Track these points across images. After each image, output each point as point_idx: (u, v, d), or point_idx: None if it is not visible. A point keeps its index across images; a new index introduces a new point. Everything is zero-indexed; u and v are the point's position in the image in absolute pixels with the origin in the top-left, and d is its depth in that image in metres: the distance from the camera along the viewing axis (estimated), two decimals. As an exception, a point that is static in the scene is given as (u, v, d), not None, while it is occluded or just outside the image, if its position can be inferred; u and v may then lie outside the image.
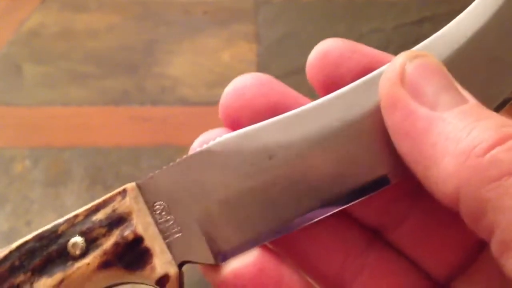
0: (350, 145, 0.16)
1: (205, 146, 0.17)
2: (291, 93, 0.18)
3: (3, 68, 0.70)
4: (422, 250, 0.18)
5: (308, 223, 0.16)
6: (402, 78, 0.15)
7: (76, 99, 0.65)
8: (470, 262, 0.17)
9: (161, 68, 0.70)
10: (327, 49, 0.18)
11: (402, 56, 0.16)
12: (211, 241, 0.16)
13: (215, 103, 0.69)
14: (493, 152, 0.13)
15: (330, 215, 0.17)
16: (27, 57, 0.72)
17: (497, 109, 0.16)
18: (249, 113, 0.17)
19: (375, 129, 0.16)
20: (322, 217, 0.16)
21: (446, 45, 0.17)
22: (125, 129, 0.61)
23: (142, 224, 0.16)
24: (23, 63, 0.71)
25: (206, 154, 0.17)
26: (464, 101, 0.14)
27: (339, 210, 0.17)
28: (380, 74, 0.16)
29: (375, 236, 0.18)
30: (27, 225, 0.49)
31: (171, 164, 0.17)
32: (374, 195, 0.16)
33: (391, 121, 0.15)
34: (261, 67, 0.70)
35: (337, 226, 0.18)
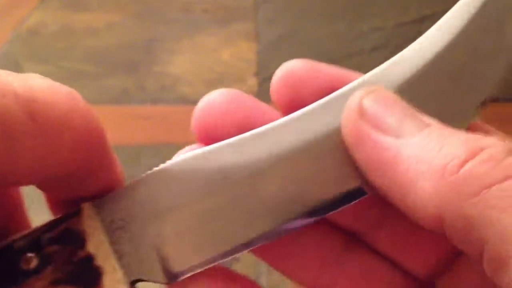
0: (311, 164, 0.16)
1: (161, 166, 0.17)
2: (261, 108, 0.18)
3: (3, 67, 0.70)
4: (401, 251, 0.18)
5: (269, 241, 0.16)
6: (362, 114, 0.15)
7: (76, 97, 0.65)
8: (452, 258, 0.17)
9: (161, 66, 0.70)
10: (290, 71, 0.18)
11: (357, 94, 0.16)
12: (164, 261, 0.16)
13: (215, 101, 0.68)
14: (467, 167, 0.13)
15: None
16: (27, 56, 0.72)
17: (471, 119, 0.16)
18: (218, 131, 0.17)
19: (338, 148, 0.16)
20: (284, 234, 0.16)
21: (405, 68, 0.17)
22: (125, 128, 0.61)
23: (95, 243, 0.16)
24: (23, 62, 0.71)
25: (163, 174, 0.17)
26: (427, 124, 0.14)
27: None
28: (341, 94, 0.17)
29: (353, 239, 0.18)
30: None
31: (129, 182, 0.17)
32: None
33: (359, 156, 0.15)
34: (260, 66, 0.70)
35: (313, 231, 0.18)
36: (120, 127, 0.61)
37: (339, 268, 0.18)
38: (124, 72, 0.69)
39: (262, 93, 0.65)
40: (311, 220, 0.16)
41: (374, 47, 0.72)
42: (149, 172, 0.17)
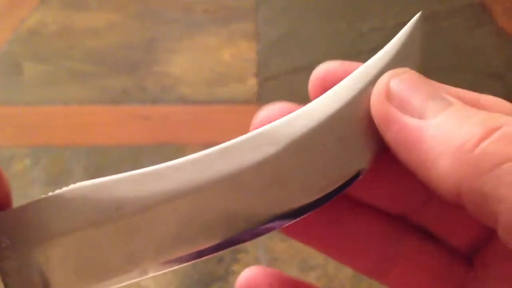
0: (207, 203, 0.16)
1: (57, 192, 0.17)
2: None
3: (3, 67, 0.70)
4: (446, 227, 0.19)
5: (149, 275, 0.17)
6: (388, 96, 0.16)
7: (76, 98, 0.65)
8: (491, 233, 0.18)
9: (161, 66, 0.70)
10: (326, 71, 0.19)
11: (385, 75, 0.17)
12: (46, 285, 0.16)
13: (216, 101, 0.69)
14: (482, 145, 0.13)
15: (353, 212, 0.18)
16: (27, 55, 0.72)
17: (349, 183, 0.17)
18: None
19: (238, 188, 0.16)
20: (168, 268, 0.16)
21: (295, 128, 0.17)
22: (125, 128, 0.61)
23: None
24: (23, 62, 0.71)
25: (56, 199, 0.17)
26: (449, 104, 0.15)
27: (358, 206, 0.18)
28: (263, 132, 0.17)
29: (400, 221, 0.19)
30: None
31: (21, 204, 0.17)
32: (389, 183, 0.17)
33: (388, 137, 0.16)
34: (261, 66, 0.70)
35: (363, 217, 0.19)
36: (120, 127, 0.61)
37: (395, 250, 0.19)
38: (124, 72, 0.69)
39: (262, 93, 0.65)
40: (196, 258, 0.16)
41: (374, 47, 0.72)
42: (42, 196, 0.17)
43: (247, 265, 0.47)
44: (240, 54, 0.72)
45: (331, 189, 0.16)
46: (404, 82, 0.16)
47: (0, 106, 0.64)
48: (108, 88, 0.66)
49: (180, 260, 0.16)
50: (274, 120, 0.18)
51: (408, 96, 0.16)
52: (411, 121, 0.15)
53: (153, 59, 0.71)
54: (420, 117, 0.15)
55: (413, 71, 0.16)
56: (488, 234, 0.18)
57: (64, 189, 0.17)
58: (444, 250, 0.19)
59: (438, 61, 0.69)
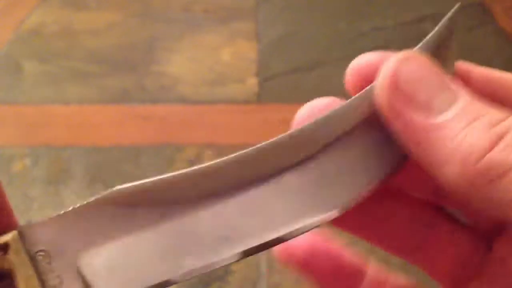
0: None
1: (96, 197, 0.16)
2: None
3: (4, 67, 0.70)
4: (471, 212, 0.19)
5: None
6: (394, 87, 0.15)
7: (76, 97, 0.65)
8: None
9: (161, 66, 0.70)
10: (363, 63, 0.18)
11: (391, 61, 0.16)
12: None
13: (215, 101, 0.69)
14: (488, 155, 0.14)
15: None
16: (27, 55, 0.72)
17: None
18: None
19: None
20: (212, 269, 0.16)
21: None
22: (125, 128, 0.61)
23: (23, 279, 0.16)
24: (24, 62, 0.71)
25: (97, 205, 0.16)
26: (455, 97, 0.15)
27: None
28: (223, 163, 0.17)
29: (431, 207, 0.19)
30: (27, 223, 0.49)
31: (63, 212, 0.17)
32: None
33: (394, 128, 0.16)
34: (261, 66, 0.70)
35: (400, 207, 0.19)
36: (120, 127, 0.61)
37: (426, 232, 0.19)
38: (124, 71, 0.69)
39: (262, 93, 0.65)
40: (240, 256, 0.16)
41: (374, 47, 0.72)
42: (79, 204, 0.17)
43: (246, 265, 0.47)
44: (240, 53, 0.72)
45: (374, 183, 0.16)
46: (411, 73, 0.15)
47: (0, 106, 0.64)
48: (108, 88, 0.66)
49: (224, 262, 0.16)
50: (314, 116, 0.18)
51: (414, 89, 0.15)
52: (417, 119, 0.15)
53: (153, 59, 0.71)
54: (427, 113, 0.15)
55: (420, 56, 0.16)
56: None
57: (103, 193, 0.17)
58: (469, 233, 0.19)
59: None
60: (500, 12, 0.78)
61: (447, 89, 0.15)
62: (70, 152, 0.57)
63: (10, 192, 0.55)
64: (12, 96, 0.65)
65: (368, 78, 0.17)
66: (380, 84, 0.16)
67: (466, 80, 0.18)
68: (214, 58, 0.72)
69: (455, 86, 0.15)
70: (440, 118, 0.15)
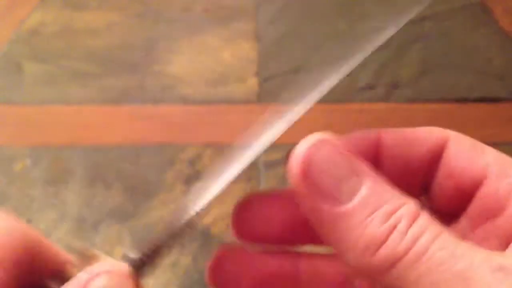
0: None
1: None
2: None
3: (4, 67, 0.70)
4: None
5: None
6: (303, 176, 0.16)
7: (76, 97, 0.65)
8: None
9: (161, 66, 0.70)
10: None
11: (304, 147, 0.16)
12: None
13: (216, 101, 0.69)
14: (382, 248, 0.15)
15: None
16: (27, 55, 0.72)
17: None
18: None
19: None
20: None
21: None
22: (126, 128, 0.61)
23: None
24: (24, 62, 0.71)
25: None
26: (360, 185, 0.16)
27: None
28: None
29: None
30: (28, 223, 0.49)
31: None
32: None
33: (302, 208, 0.17)
34: (261, 66, 0.70)
35: None
36: (120, 127, 0.61)
37: None
38: (124, 72, 0.69)
39: (262, 93, 0.65)
40: None
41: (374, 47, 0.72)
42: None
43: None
44: (241, 54, 0.72)
45: None
46: (318, 159, 0.16)
47: (0, 106, 0.64)
48: (108, 88, 0.66)
49: None
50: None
51: (320, 178, 0.16)
52: (324, 206, 0.16)
53: (153, 59, 0.71)
54: (333, 202, 0.16)
55: (329, 140, 0.16)
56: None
57: None
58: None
59: (438, 61, 0.69)
60: (500, 12, 0.78)
61: (353, 176, 0.16)
62: (70, 152, 0.57)
63: (10, 192, 0.56)
64: (12, 96, 0.65)
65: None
66: (290, 172, 0.16)
67: (376, 145, 0.19)
68: (214, 58, 0.72)
69: (361, 169, 0.16)
70: (345, 208, 0.16)
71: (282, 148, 0.62)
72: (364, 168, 0.16)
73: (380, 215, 0.16)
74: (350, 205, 0.16)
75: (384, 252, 0.15)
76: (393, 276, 0.15)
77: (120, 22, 0.79)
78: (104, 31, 0.77)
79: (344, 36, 0.75)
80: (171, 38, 0.75)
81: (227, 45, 0.74)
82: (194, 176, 0.54)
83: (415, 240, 0.15)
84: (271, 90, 0.66)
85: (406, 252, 0.15)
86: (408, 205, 0.16)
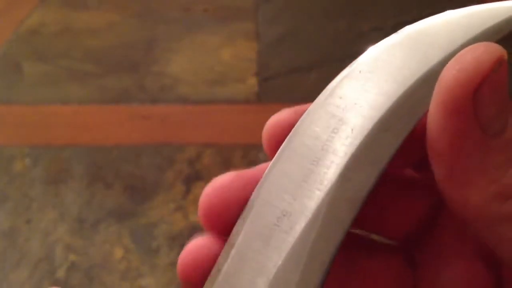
0: None
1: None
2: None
3: (3, 67, 0.70)
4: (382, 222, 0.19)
5: None
6: (476, 88, 0.13)
7: (76, 97, 0.65)
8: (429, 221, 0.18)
9: (161, 66, 0.70)
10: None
11: (489, 58, 0.13)
12: None
13: (215, 101, 0.69)
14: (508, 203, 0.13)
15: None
16: (27, 55, 0.72)
17: None
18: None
19: None
20: None
21: None
22: (125, 128, 0.61)
23: None
24: (23, 62, 0.71)
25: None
26: (503, 130, 0.14)
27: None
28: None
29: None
30: (27, 223, 0.49)
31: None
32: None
33: (442, 125, 0.14)
34: (261, 66, 0.70)
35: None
36: (120, 127, 0.61)
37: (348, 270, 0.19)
38: (124, 71, 0.69)
39: (262, 93, 0.65)
40: None
41: (374, 47, 0.72)
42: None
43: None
44: (240, 53, 0.72)
45: None
46: (496, 82, 0.13)
47: (0, 106, 0.64)
48: (107, 88, 0.66)
49: None
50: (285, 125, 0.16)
51: (490, 102, 0.13)
52: (475, 133, 0.13)
53: (153, 59, 0.71)
54: (484, 130, 0.13)
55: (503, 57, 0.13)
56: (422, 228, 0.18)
57: None
58: (393, 257, 0.18)
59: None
60: None
61: (502, 116, 0.14)
62: (70, 152, 0.57)
63: (10, 192, 0.56)
64: (12, 96, 0.65)
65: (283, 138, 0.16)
66: (465, 71, 0.13)
67: None
68: (214, 58, 0.72)
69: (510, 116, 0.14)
70: (492, 141, 0.14)
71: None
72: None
73: None
74: (496, 140, 0.13)
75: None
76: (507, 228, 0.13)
77: (120, 22, 0.79)
78: (104, 31, 0.77)
79: (344, 36, 0.75)
80: (171, 38, 0.75)
81: (227, 45, 0.74)
82: (194, 176, 0.54)
83: None
84: (271, 90, 0.66)
85: None
86: None
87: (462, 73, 0.13)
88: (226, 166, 0.55)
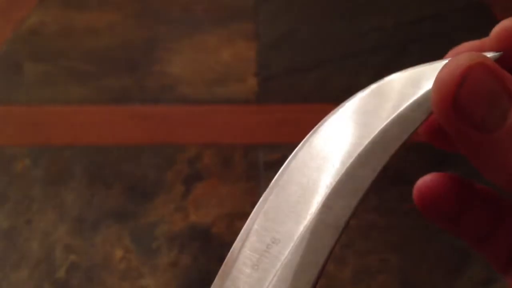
0: None
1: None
2: None
3: (3, 67, 0.70)
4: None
5: None
6: (454, 96, 0.14)
7: (76, 97, 0.65)
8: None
9: (161, 66, 0.70)
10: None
11: (464, 64, 0.15)
12: None
13: (216, 101, 0.69)
14: None
15: None
16: (27, 55, 0.72)
17: None
18: None
19: None
20: None
21: None
22: (125, 128, 0.61)
23: None
24: (23, 62, 0.71)
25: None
26: (504, 118, 0.14)
27: None
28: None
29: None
30: (27, 223, 0.49)
31: None
32: None
33: (447, 129, 0.15)
34: (260, 66, 0.70)
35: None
36: (120, 127, 0.61)
37: (496, 223, 0.21)
38: (124, 71, 0.69)
39: (262, 93, 0.65)
40: None
41: (374, 47, 0.72)
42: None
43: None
44: (240, 53, 0.72)
45: None
46: (472, 85, 0.14)
47: (0, 106, 0.64)
48: (107, 88, 0.66)
49: None
50: None
51: (472, 108, 0.14)
52: (473, 133, 0.15)
53: (152, 59, 0.71)
54: (483, 129, 0.15)
55: (482, 60, 0.15)
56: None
57: None
58: None
59: (438, 61, 0.69)
60: (500, 12, 0.78)
61: (505, 97, 0.15)
62: (70, 152, 0.57)
63: (10, 192, 0.56)
64: (12, 96, 0.65)
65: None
66: (437, 94, 0.15)
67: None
68: (214, 58, 0.72)
69: (508, 101, 0.15)
70: (495, 135, 0.15)
71: (282, 148, 0.62)
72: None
73: None
74: (500, 132, 0.14)
75: None
76: None
77: (119, 22, 0.79)
78: (104, 31, 0.77)
79: (344, 36, 0.75)
80: (171, 38, 0.75)
81: (227, 45, 0.74)
82: (194, 176, 0.54)
83: None
84: (270, 90, 0.66)
85: None
86: None
87: (436, 94, 0.15)
88: (226, 166, 0.55)
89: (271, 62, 0.71)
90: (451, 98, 0.14)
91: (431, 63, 0.17)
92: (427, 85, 0.16)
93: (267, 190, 0.17)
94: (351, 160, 0.16)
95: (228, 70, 0.69)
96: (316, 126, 0.18)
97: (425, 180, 0.20)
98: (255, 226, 0.16)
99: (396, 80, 0.17)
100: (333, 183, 0.16)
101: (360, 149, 0.16)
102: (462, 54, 0.15)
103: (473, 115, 0.14)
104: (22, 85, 0.67)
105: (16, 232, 0.49)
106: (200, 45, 0.74)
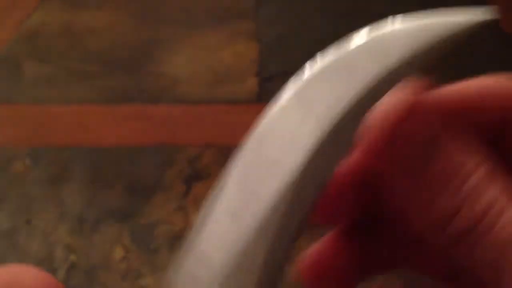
0: None
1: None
2: None
3: (4, 67, 0.70)
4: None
5: None
6: (389, 141, 0.15)
7: (76, 97, 0.65)
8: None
9: (161, 66, 0.70)
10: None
11: (393, 106, 0.15)
12: None
13: (216, 101, 0.69)
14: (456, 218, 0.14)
15: None
16: (27, 55, 0.72)
17: None
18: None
19: None
20: None
21: None
22: (125, 128, 0.61)
23: None
24: (24, 62, 0.71)
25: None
26: (438, 152, 0.15)
27: None
28: None
29: None
30: (27, 223, 0.50)
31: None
32: None
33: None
34: (261, 66, 0.70)
35: None
36: (120, 127, 0.61)
37: None
38: (124, 72, 0.69)
39: (262, 93, 0.65)
40: None
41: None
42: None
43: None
44: (241, 54, 0.72)
45: None
46: (405, 133, 0.15)
47: (0, 106, 0.64)
48: (108, 88, 0.66)
49: None
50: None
51: (404, 152, 0.15)
52: (403, 181, 0.15)
53: (153, 59, 0.71)
54: (412, 175, 0.15)
55: (419, 101, 0.15)
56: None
57: None
58: None
59: (437, 61, 0.69)
60: (501, 12, 0.78)
61: (432, 145, 0.15)
62: (70, 152, 0.57)
63: (10, 192, 0.56)
64: (12, 96, 0.65)
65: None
66: (371, 132, 0.15)
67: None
68: (214, 58, 0.72)
69: (439, 138, 0.15)
70: (422, 181, 0.15)
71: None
72: (444, 135, 0.14)
73: (453, 186, 0.14)
74: (427, 178, 0.14)
75: (459, 219, 0.14)
76: (470, 242, 0.13)
77: (120, 22, 0.79)
78: (104, 31, 0.77)
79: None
80: (171, 38, 0.75)
81: (227, 45, 0.74)
82: (194, 176, 0.54)
83: (490, 204, 0.13)
84: (271, 90, 0.66)
85: (483, 215, 0.13)
86: (483, 166, 0.14)
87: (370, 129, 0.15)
88: (226, 166, 0.55)
89: (271, 62, 0.71)
90: (384, 141, 0.15)
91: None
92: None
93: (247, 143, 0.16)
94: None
95: (228, 70, 0.69)
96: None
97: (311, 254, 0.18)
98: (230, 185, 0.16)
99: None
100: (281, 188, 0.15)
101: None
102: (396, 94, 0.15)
103: (404, 159, 0.15)
104: (22, 85, 0.67)
105: (16, 231, 0.49)
106: (200, 45, 0.74)
